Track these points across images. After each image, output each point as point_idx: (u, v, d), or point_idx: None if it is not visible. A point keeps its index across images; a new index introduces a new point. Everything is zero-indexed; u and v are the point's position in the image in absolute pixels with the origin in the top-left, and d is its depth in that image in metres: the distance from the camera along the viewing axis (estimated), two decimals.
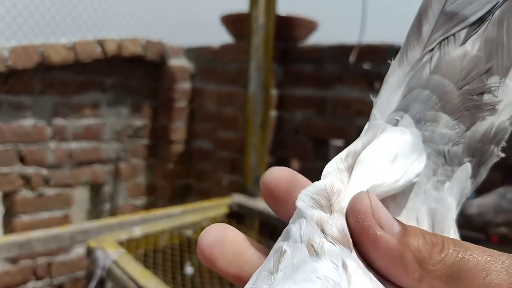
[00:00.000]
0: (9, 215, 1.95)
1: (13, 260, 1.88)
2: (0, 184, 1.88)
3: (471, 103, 0.23)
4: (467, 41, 0.23)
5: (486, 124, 0.23)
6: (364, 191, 0.20)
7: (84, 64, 2.05)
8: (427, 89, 0.23)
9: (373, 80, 1.88)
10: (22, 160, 1.93)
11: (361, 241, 0.20)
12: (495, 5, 0.23)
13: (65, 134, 2.05)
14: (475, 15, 0.23)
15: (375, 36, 1.94)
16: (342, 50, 1.98)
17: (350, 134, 1.93)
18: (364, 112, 1.90)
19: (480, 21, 0.23)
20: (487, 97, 0.23)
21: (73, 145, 2.08)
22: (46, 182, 2.00)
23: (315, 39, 2.24)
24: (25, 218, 1.94)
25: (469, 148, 0.23)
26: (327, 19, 2.27)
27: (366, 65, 1.90)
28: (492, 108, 0.23)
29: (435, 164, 0.23)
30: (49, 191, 2.01)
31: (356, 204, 0.20)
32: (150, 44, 2.23)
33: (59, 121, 2.03)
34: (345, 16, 2.19)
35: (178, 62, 2.36)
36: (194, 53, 2.39)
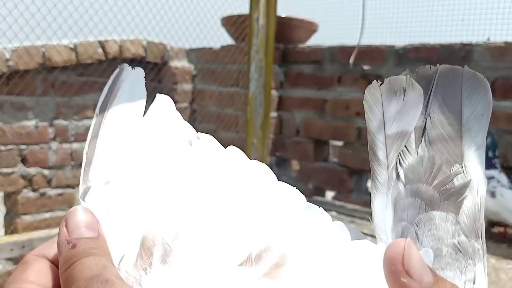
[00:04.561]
0: (11, 215, 1.96)
1: (15, 260, 1.89)
2: (2, 185, 1.89)
3: (447, 192, 0.27)
4: (418, 147, 0.28)
5: (470, 201, 0.27)
6: (403, 238, 0.21)
7: (86, 65, 2.06)
8: (408, 197, 0.27)
9: (373, 81, 1.89)
10: (24, 160, 1.94)
11: (389, 283, 0.21)
12: (425, 113, 0.28)
13: (67, 134, 2.06)
14: (411, 126, 0.28)
15: (374, 37, 1.95)
16: (342, 52, 1.99)
17: (350, 135, 1.94)
18: (363, 113, 1.91)
19: (420, 128, 0.28)
20: (457, 182, 0.27)
21: (75, 146, 2.09)
22: (48, 182, 2.01)
23: (315, 40, 2.25)
24: (27, 218, 1.95)
25: (471, 231, 0.26)
26: (327, 20, 2.28)
27: (366, 66, 1.91)
28: (466, 187, 0.27)
29: (457, 261, 0.26)
30: (51, 192, 2.02)
31: (390, 249, 0.21)
32: (152, 46, 2.24)
33: (61, 122, 2.04)
34: (345, 17, 2.20)
35: (179, 63, 2.37)
36: (195, 55, 2.40)
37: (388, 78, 0.29)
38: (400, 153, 0.28)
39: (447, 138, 0.28)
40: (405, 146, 0.28)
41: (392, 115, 0.28)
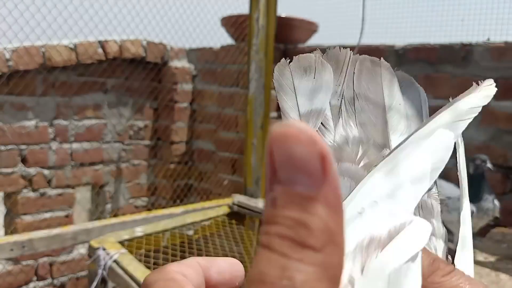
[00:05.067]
0: (11, 215, 1.96)
1: (15, 260, 1.89)
2: (2, 185, 1.89)
3: None
4: (336, 126, 0.26)
5: None
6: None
7: (86, 65, 2.06)
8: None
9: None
10: (24, 160, 1.94)
11: None
12: (340, 93, 0.27)
13: (67, 134, 2.06)
14: (324, 104, 0.26)
15: (374, 37, 1.95)
16: None
17: None
18: None
19: (335, 107, 0.27)
20: None
21: (75, 146, 2.09)
22: (48, 182, 2.01)
23: (315, 40, 2.25)
24: (27, 218, 1.95)
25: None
26: (327, 20, 2.28)
27: None
28: None
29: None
30: (51, 192, 2.02)
31: None
32: (152, 46, 2.24)
33: (61, 122, 2.04)
34: (345, 17, 2.20)
35: (179, 63, 2.37)
36: (195, 55, 2.40)
37: (298, 56, 0.27)
38: (317, 131, 0.26)
39: (372, 122, 0.26)
40: (322, 123, 0.26)
41: (304, 93, 0.26)
